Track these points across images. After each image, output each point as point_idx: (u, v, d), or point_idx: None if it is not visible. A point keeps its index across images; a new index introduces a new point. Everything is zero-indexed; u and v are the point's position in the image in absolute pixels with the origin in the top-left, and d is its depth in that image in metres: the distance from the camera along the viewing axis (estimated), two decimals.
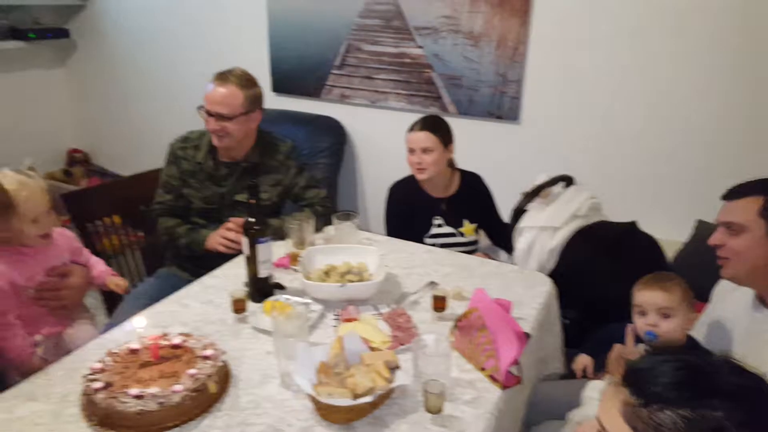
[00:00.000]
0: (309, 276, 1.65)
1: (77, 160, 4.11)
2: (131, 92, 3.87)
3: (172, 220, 2.06)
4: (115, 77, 3.89)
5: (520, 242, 1.94)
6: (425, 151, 2.13)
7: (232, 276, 1.76)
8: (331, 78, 3.11)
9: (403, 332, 1.44)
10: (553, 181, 1.99)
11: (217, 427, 1.13)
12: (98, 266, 1.67)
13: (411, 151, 2.16)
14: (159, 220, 2.08)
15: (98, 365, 1.20)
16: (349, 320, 1.51)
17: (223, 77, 1.95)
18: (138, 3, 3.63)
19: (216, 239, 1.95)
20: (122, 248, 2.23)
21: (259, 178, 1.98)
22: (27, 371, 1.36)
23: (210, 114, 1.94)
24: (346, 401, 1.11)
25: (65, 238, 1.61)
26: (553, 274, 1.84)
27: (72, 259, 1.61)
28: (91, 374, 1.17)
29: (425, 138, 2.13)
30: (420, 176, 2.17)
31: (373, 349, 1.32)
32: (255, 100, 2.01)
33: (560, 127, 2.69)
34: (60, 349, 1.47)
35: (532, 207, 1.98)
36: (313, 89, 3.17)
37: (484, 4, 2.63)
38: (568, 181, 2.00)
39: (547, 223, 1.90)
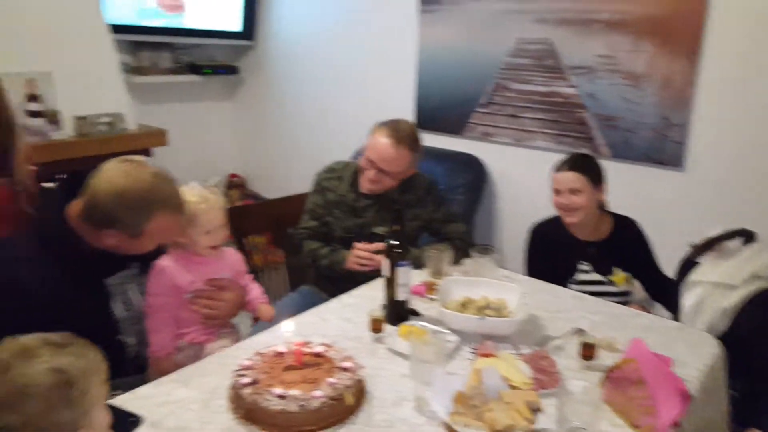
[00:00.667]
0: (446, 306, 1.62)
1: (235, 184, 4.48)
2: (287, 124, 4.18)
3: (316, 243, 2.15)
4: (274, 110, 4.23)
5: (689, 297, 1.74)
6: (573, 192, 2.02)
7: (369, 297, 1.77)
8: (475, 116, 3.11)
9: (546, 376, 1.34)
10: (731, 235, 1.78)
11: None
12: (254, 291, 1.73)
13: (557, 192, 2.06)
14: (303, 243, 2.17)
15: (247, 362, 1.25)
16: (486, 355, 1.44)
17: (397, 135, 1.97)
18: (299, 44, 3.95)
19: (351, 258, 2.00)
20: (269, 264, 2.37)
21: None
22: (161, 370, 1.45)
23: (372, 164, 2.00)
24: None
25: (234, 258, 1.71)
26: (724, 338, 1.62)
27: (233, 278, 1.68)
28: (240, 370, 1.22)
29: (574, 178, 2.02)
30: (569, 219, 2.06)
31: (512, 388, 1.24)
32: (417, 161, 2.06)
33: (734, 177, 2.43)
34: (197, 360, 1.51)
35: (705, 260, 1.77)
36: (455, 126, 3.19)
37: (647, 43, 2.50)
38: (748, 236, 1.77)
39: (723, 279, 1.69)
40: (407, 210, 2.06)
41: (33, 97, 2.80)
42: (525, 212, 2.53)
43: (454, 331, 1.54)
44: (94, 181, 1.34)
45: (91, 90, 3.11)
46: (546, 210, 2.16)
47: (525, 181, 3.00)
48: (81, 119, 3.00)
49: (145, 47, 3.80)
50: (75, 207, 1.39)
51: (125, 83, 3.37)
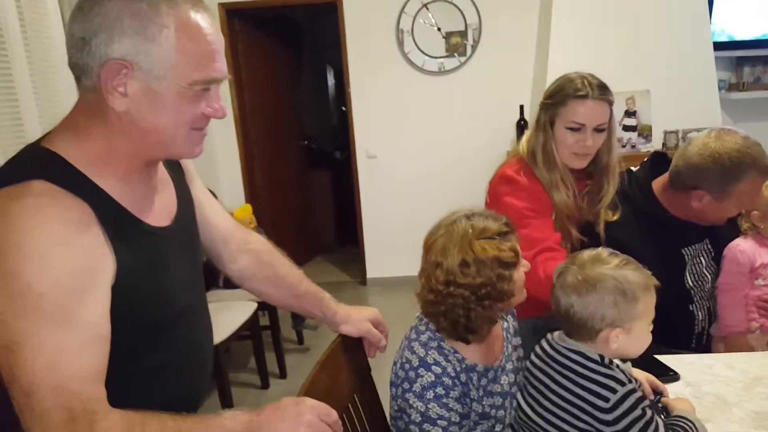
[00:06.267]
0: None
1: None
2: None
3: None
4: None
5: None
6: None
7: None
8: None
9: None
10: None
11: None
12: None
13: None
14: None
15: None
16: None
17: None
18: None
19: None
20: None
21: None
22: (731, 344, 1.53)
23: None
24: None
25: None
26: None
27: None
28: None
29: None
30: None
31: None
32: None
33: None
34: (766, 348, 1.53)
35: None
36: None
37: None
38: None
39: None
40: None
41: (630, 113, 3.25)
42: None
43: None
44: (685, 150, 1.51)
45: (684, 106, 3.32)
46: None
47: None
48: (670, 133, 3.26)
49: (748, 62, 3.70)
50: (659, 181, 1.63)
51: (720, 100, 3.42)
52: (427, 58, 3.83)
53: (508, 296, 1.12)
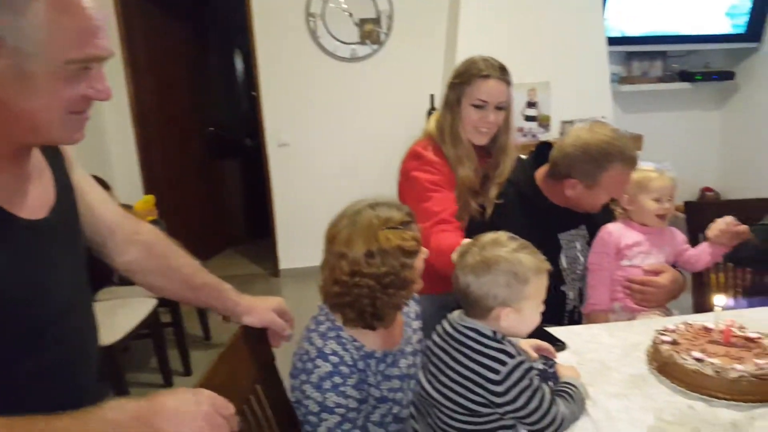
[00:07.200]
0: None
1: (707, 199, 4.19)
2: None
3: None
4: None
5: None
6: None
7: None
8: None
9: None
10: None
11: None
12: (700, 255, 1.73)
13: None
14: None
15: (672, 327, 1.30)
16: None
17: None
18: None
19: None
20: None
21: None
22: (594, 322, 1.63)
23: None
24: None
25: (676, 237, 1.76)
26: None
27: (673, 257, 1.73)
28: (663, 330, 1.29)
29: None
30: None
31: None
32: None
33: None
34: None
35: None
36: None
37: None
38: None
39: None
40: None
41: (531, 104, 3.41)
42: None
43: None
44: (562, 141, 1.63)
45: (580, 98, 3.52)
46: None
47: None
48: (566, 123, 3.45)
49: (637, 57, 3.97)
50: (541, 170, 1.72)
51: (612, 92, 3.65)
52: (338, 43, 3.79)
53: (410, 283, 1.16)
